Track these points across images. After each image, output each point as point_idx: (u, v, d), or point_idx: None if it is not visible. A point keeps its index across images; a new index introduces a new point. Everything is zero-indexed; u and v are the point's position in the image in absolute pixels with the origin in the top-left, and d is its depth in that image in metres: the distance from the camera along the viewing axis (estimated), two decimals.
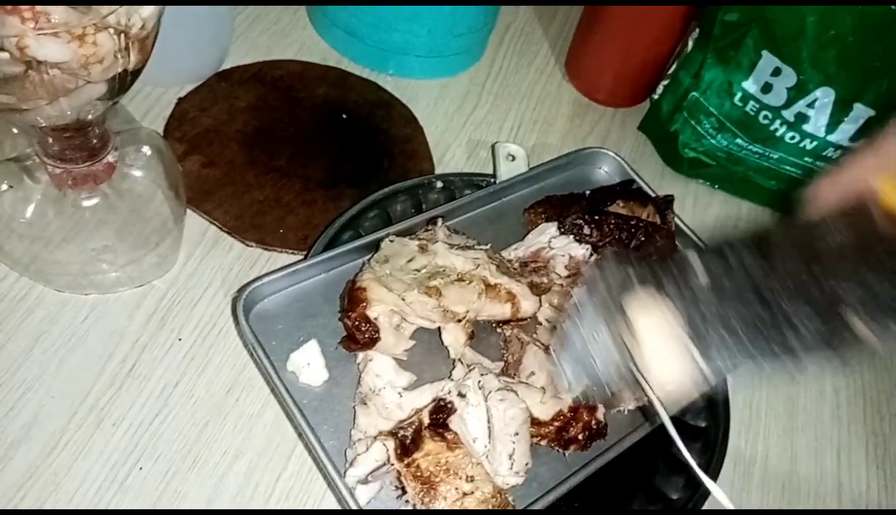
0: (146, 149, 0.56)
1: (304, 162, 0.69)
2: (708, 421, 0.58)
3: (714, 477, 0.55)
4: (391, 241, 0.56)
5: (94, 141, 0.51)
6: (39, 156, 0.51)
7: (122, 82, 0.45)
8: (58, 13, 0.38)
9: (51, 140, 0.50)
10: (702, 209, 0.80)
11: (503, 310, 0.53)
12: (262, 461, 0.52)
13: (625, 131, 0.85)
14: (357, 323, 0.48)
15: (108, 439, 0.50)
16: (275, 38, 0.80)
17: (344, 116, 0.74)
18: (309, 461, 0.52)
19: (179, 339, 0.56)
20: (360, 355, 0.51)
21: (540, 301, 0.56)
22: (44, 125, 0.46)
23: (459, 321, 0.52)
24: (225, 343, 0.56)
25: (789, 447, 0.63)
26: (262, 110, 0.72)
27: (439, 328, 0.53)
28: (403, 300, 0.49)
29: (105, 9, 0.39)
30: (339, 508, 0.50)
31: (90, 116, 0.47)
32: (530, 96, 0.85)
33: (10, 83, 0.40)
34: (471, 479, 0.43)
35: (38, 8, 0.37)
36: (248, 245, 0.62)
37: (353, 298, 0.49)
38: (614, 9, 0.80)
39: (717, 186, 0.81)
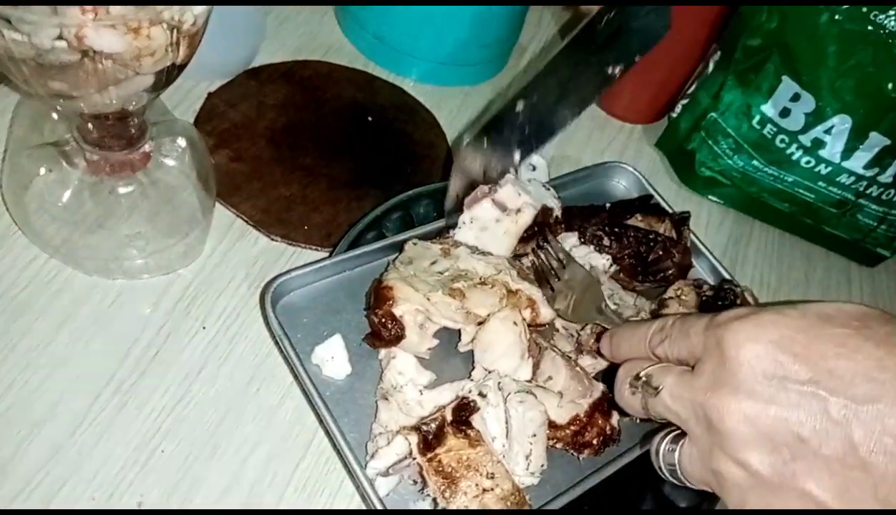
0: (181, 141, 0.57)
1: (330, 161, 0.70)
2: None
3: None
4: (414, 244, 0.57)
5: (133, 130, 0.52)
6: (78, 142, 0.52)
7: (169, 75, 0.46)
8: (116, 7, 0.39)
9: (91, 127, 0.51)
10: (714, 227, 0.81)
11: (523, 315, 0.55)
12: (281, 450, 0.53)
13: (641, 147, 0.86)
14: (383, 320, 0.49)
15: (131, 421, 0.51)
16: (304, 39, 0.82)
17: (370, 119, 0.75)
18: (326, 452, 0.53)
19: (203, 328, 0.57)
20: (383, 352, 0.53)
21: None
22: (87, 112, 0.48)
23: (480, 324, 0.53)
24: (248, 333, 0.57)
25: None
26: (289, 108, 0.73)
27: (459, 329, 0.54)
28: (429, 300, 0.50)
29: (160, 6, 0.40)
30: (355, 505, 0.52)
31: (133, 106, 0.48)
32: None
33: (65, 71, 0.41)
34: (491, 476, 0.44)
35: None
36: (273, 239, 0.63)
37: (379, 296, 0.50)
38: None
39: (730, 206, 0.82)
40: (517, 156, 0.59)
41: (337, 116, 0.74)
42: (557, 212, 0.61)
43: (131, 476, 0.49)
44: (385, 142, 0.74)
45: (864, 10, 0.64)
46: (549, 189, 0.62)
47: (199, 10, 0.43)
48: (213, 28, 0.67)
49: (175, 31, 0.42)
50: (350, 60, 0.81)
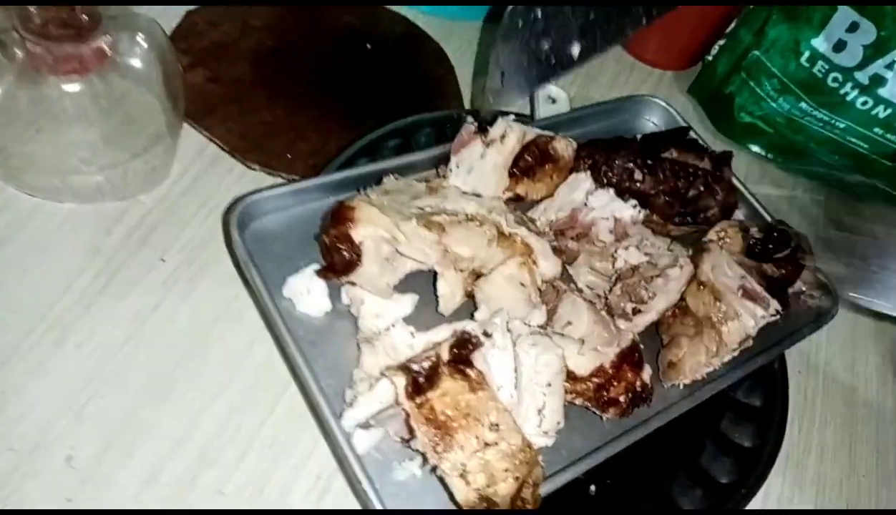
0: (142, 39, 0.49)
1: (322, 89, 0.61)
2: (763, 400, 0.50)
3: (769, 464, 0.47)
4: (396, 179, 0.48)
5: (82, 17, 0.44)
6: (18, 30, 0.44)
7: None
8: None
9: (32, 10, 0.43)
10: (753, 182, 0.72)
11: (531, 272, 0.45)
12: (247, 401, 0.44)
13: (672, 94, 0.77)
14: (336, 241, 0.40)
15: (69, 360, 0.43)
16: None
17: (369, 47, 0.66)
18: (300, 406, 0.45)
19: (163, 260, 0.49)
20: (347, 297, 0.44)
21: (563, 264, 0.48)
22: None
23: (462, 271, 0.44)
24: (215, 269, 0.49)
25: (847, 441, 0.55)
26: (279, 31, 0.65)
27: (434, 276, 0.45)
28: (397, 227, 0.41)
29: None
30: (331, 467, 0.43)
31: None
32: None
33: None
34: (495, 427, 0.35)
35: None
36: (250, 167, 0.55)
37: (337, 215, 0.41)
38: None
39: (771, 157, 0.73)
40: (576, 48, 0.48)
41: (332, 42, 0.66)
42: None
43: (63, 424, 0.41)
44: (386, 73, 0.65)
45: None
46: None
47: None
48: None
49: None
50: None
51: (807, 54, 0.66)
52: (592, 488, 0.44)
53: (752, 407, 0.50)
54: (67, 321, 0.44)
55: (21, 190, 0.48)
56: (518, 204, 0.51)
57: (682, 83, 0.78)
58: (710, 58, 0.74)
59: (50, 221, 0.48)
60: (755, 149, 0.73)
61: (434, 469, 0.35)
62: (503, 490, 0.35)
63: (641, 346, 0.44)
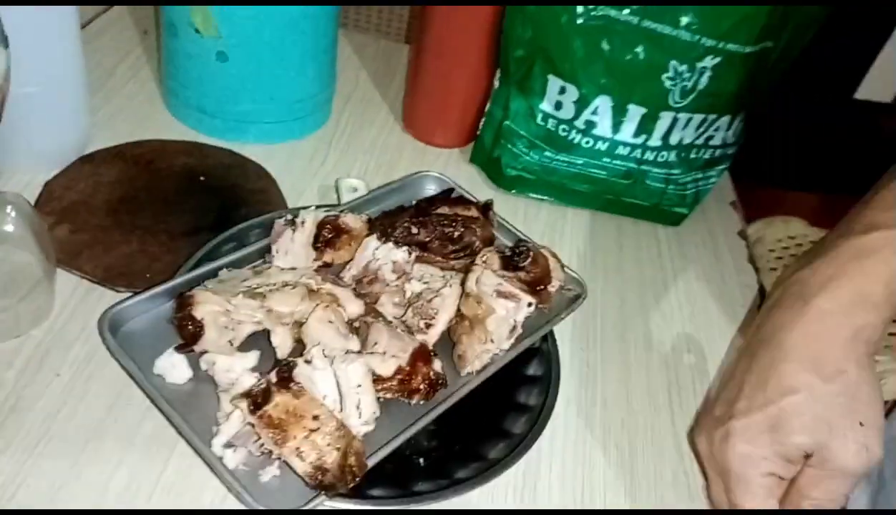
0: (12, 210, 0.62)
1: (167, 218, 0.76)
2: (544, 370, 0.67)
3: (549, 413, 0.64)
4: (228, 271, 0.64)
5: None
6: None
7: None
8: None
9: None
10: (532, 220, 0.91)
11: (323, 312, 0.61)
12: (144, 464, 0.57)
13: (461, 166, 0.97)
14: (182, 321, 0.56)
15: None
16: (135, 124, 0.89)
17: (202, 178, 0.82)
18: (188, 457, 0.57)
19: (58, 375, 0.61)
20: (204, 363, 0.58)
21: (366, 304, 0.64)
22: None
23: (286, 324, 0.60)
24: (103, 371, 0.62)
25: (623, 391, 0.73)
26: (125, 182, 0.80)
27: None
28: (229, 302, 0.57)
29: None
30: (221, 496, 0.56)
31: None
32: (373, 148, 0.97)
33: None
34: (316, 418, 0.50)
35: None
36: (118, 291, 0.68)
37: (180, 303, 0.57)
38: (430, 66, 0.94)
39: (541, 197, 0.93)
40: None
41: (171, 181, 0.81)
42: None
43: None
44: (219, 195, 0.81)
45: (596, 8, 0.77)
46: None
47: None
48: (39, 120, 0.75)
49: None
50: (180, 136, 0.88)
51: (540, 116, 0.87)
52: (421, 461, 0.59)
53: (535, 376, 0.67)
54: None
55: None
56: (329, 269, 0.67)
57: (467, 156, 0.98)
58: (479, 132, 0.95)
59: None
60: (531, 194, 0.93)
61: (280, 457, 0.49)
62: (330, 459, 0.49)
63: (432, 348, 0.60)
